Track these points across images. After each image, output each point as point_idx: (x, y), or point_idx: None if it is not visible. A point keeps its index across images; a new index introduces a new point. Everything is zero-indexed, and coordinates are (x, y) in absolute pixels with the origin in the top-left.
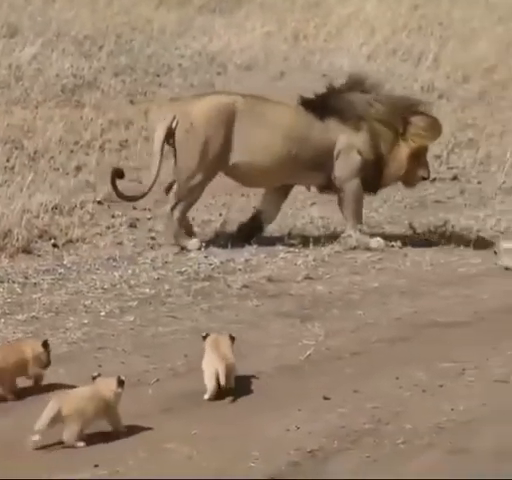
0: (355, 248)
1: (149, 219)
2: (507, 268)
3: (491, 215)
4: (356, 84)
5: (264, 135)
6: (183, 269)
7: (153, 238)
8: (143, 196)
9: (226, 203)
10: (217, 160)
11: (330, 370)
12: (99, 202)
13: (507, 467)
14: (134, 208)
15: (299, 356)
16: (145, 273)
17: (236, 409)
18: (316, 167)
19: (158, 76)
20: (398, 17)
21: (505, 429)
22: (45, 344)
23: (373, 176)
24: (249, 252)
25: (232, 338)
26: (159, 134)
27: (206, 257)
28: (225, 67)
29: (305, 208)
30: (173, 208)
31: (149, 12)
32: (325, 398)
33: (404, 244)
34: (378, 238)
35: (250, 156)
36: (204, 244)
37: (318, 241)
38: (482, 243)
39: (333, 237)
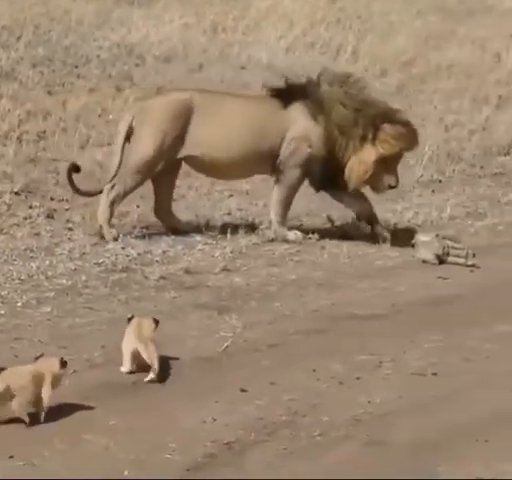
0: (273, 240)
1: (67, 210)
2: (424, 261)
3: (409, 208)
4: (334, 79)
5: (221, 128)
6: (100, 260)
7: (70, 229)
8: (100, 192)
9: (143, 195)
10: (166, 154)
11: (247, 362)
12: (16, 193)
13: (422, 459)
14: (51, 199)
15: (216, 348)
16: (62, 264)
17: (153, 400)
18: (275, 157)
19: (76, 67)
20: (316, 10)
21: (421, 421)
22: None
23: (324, 173)
24: (166, 244)
25: (156, 321)
26: (120, 134)
27: (123, 248)
28: (143, 59)
29: (223, 200)
30: (111, 188)
31: (67, 3)
32: (242, 390)
33: (322, 236)
34: (296, 231)
35: (209, 149)
36: (122, 235)
37: (236, 233)
38: (400, 236)
39: (251, 229)
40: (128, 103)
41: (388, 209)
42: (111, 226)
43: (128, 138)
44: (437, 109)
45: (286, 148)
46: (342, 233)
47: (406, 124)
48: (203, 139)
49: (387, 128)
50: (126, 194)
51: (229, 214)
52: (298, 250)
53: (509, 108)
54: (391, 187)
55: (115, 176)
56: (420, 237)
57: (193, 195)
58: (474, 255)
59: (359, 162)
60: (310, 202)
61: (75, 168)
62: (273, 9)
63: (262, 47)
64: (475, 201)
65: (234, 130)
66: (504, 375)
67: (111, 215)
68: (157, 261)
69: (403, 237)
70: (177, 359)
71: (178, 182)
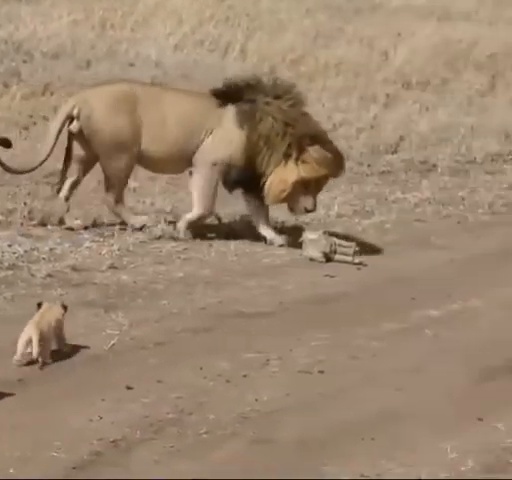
0: (160, 238)
1: None
2: (311, 259)
3: None
4: (273, 89)
5: (156, 122)
6: None
7: None
8: (30, 171)
9: (31, 192)
10: (126, 146)
11: (134, 360)
12: None
13: (309, 457)
14: None
15: (103, 346)
16: None
17: (39, 398)
18: None
19: None
20: (205, 8)
21: (308, 419)
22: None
23: (240, 179)
24: (53, 241)
25: (64, 307)
26: (58, 118)
27: (10, 246)
28: (31, 55)
29: None
30: (106, 193)
31: None
32: (128, 388)
33: (210, 234)
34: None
35: (150, 144)
36: (8, 233)
37: (123, 231)
38: (287, 234)
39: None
40: (15, 100)
41: (275, 207)
42: (135, 213)
43: (64, 125)
44: (325, 107)
45: (204, 146)
46: (230, 231)
47: (333, 150)
48: (142, 132)
49: (313, 151)
50: (121, 192)
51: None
52: (185, 248)
53: (396, 107)
54: (307, 211)
55: (43, 162)
56: (307, 235)
57: (80, 192)
58: (361, 253)
59: (279, 180)
60: None
61: (5, 143)
62: (162, 6)
63: (151, 44)
64: (362, 199)
65: (167, 125)
66: (390, 373)
67: (125, 208)
68: (44, 258)
69: (291, 235)
70: (63, 356)
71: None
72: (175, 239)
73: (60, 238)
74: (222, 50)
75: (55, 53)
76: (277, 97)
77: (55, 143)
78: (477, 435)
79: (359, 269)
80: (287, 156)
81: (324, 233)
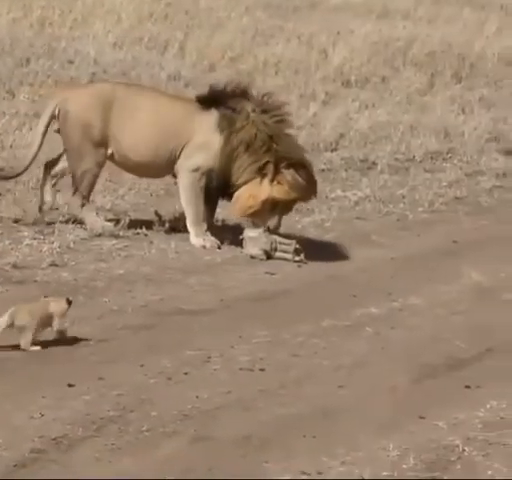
0: (100, 235)
1: None
2: (252, 257)
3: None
4: (263, 104)
5: (135, 124)
6: None
7: None
8: (18, 175)
9: None
10: (97, 147)
11: (75, 357)
12: None
13: (250, 454)
14: None
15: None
16: None
17: None
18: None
19: None
20: (144, 5)
21: (249, 417)
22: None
23: (215, 185)
24: None
25: (69, 302)
26: (43, 118)
27: None
28: None
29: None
30: (73, 195)
31: None
32: (70, 385)
33: (150, 232)
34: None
35: (125, 145)
36: None
37: (64, 228)
38: (227, 231)
39: (79, 224)
40: None
41: (219, 205)
42: (106, 219)
43: (48, 126)
44: None
45: (184, 152)
46: (170, 228)
47: (308, 176)
48: (117, 134)
49: (287, 175)
50: (90, 192)
51: (57, 209)
52: (126, 245)
53: (336, 104)
54: (269, 230)
55: (29, 166)
56: (248, 233)
57: (21, 189)
58: (302, 251)
59: (249, 195)
60: (139, 197)
61: None
62: (100, 4)
63: (89, 42)
64: None
65: (142, 128)
66: (331, 371)
67: (93, 212)
68: None
69: (231, 232)
70: (2, 354)
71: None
72: (116, 236)
73: (0, 235)
74: (161, 48)
75: None
76: (265, 111)
77: (41, 144)
78: (418, 433)
79: (300, 267)
80: (262, 173)
81: (265, 231)
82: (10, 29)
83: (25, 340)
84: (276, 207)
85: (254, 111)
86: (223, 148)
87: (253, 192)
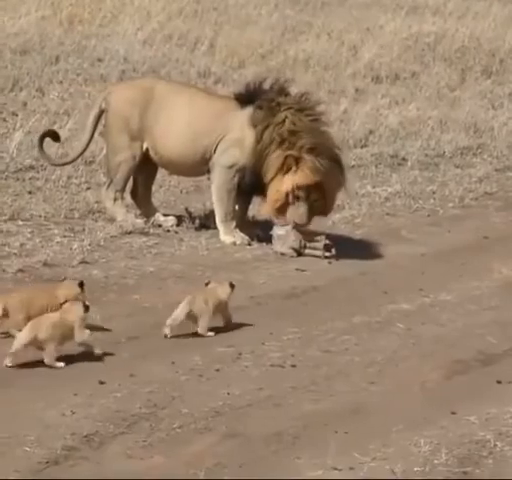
0: (131, 232)
1: None
2: (283, 253)
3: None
4: (300, 102)
5: (171, 120)
6: None
7: None
8: (69, 163)
9: (1, 187)
10: (134, 140)
11: (106, 354)
12: None
13: (281, 450)
14: None
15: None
16: None
17: (11, 393)
18: None
19: None
20: (173, 2)
21: (280, 413)
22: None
23: (250, 182)
24: (24, 236)
25: (232, 286)
26: (93, 112)
27: None
28: (0, 51)
29: (80, 192)
30: (107, 188)
31: None
32: (101, 382)
33: (180, 229)
34: (240, 233)
35: (160, 140)
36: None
37: (94, 225)
38: (258, 228)
39: (109, 221)
40: None
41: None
42: (137, 216)
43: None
44: None
45: (219, 148)
46: (200, 225)
47: (332, 161)
48: (153, 130)
49: (308, 159)
50: (122, 187)
51: (87, 207)
52: (156, 242)
53: (365, 100)
54: (297, 224)
55: (80, 155)
56: (277, 230)
57: (50, 187)
58: (332, 247)
59: (275, 190)
60: (169, 195)
61: (52, 135)
62: (130, 1)
63: (119, 39)
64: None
65: (177, 123)
66: (362, 366)
67: (124, 208)
68: (15, 254)
69: (261, 229)
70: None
71: (35, 174)
72: (146, 234)
73: (30, 233)
74: (191, 45)
75: (23, 49)
76: (301, 109)
77: (91, 136)
78: (450, 428)
79: (330, 263)
80: (286, 167)
81: (293, 228)
82: (39, 27)
83: (203, 326)
84: (301, 198)
85: (289, 109)
86: (255, 144)
87: (277, 186)
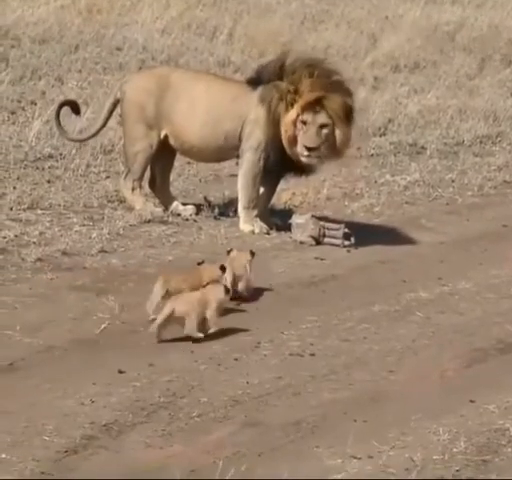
0: (150, 221)
1: None
2: (302, 242)
3: (286, 189)
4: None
5: (186, 108)
6: None
7: None
8: (78, 140)
9: (20, 177)
10: (150, 129)
11: (125, 343)
12: None
13: (301, 439)
14: None
15: (94, 330)
16: None
17: (30, 382)
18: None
19: None
20: None
21: (299, 402)
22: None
23: (276, 157)
24: (43, 225)
25: (252, 253)
26: (109, 100)
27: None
28: (19, 40)
29: (99, 181)
30: (125, 177)
31: None
32: (120, 372)
33: (199, 218)
34: (261, 223)
35: (175, 128)
36: None
37: (113, 214)
38: (277, 217)
39: (128, 210)
40: (3, 85)
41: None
42: (157, 205)
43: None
44: None
45: (244, 134)
46: (219, 214)
47: (329, 74)
48: (172, 117)
49: (304, 80)
50: (139, 176)
51: (106, 196)
52: (175, 231)
53: (385, 89)
54: (308, 148)
55: (89, 138)
56: (295, 219)
57: (69, 176)
58: (351, 235)
59: (284, 123)
60: (189, 183)
61: (71, 105)
62: None
63: (138, 28)
64: (351, 182)
65: (196, 110)
66: (381, 355)
67: (143, 197)
68: (34, 243)
69: (281, 218)
70: (54, 341)
71: (54, 163)
72: (165, 222)
73: (49, 222)
74: (210, 34)
75: (42, 38)
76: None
77: (105, 123)
78: (469, 417)
79: (349, 252)
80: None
81: (312, 217)
82: (58, 16)
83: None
84: (308, 122)
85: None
86: (268, 117)
87: (285, 121)
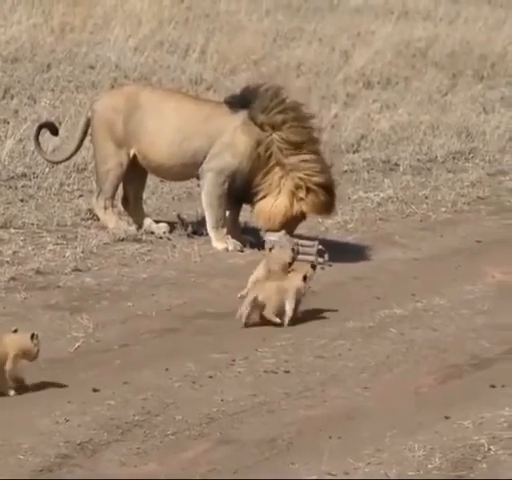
0: (123, 240)
1: None
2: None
3: None
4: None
5: (158, 125)
6: None
7: None
8: (55, 162)
9: None
10: (120, 148)
11: (99, 362)
12: None
13: (276, 456)
14: None
15: (68, 348)
16: None
17: (4, 401)
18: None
19: None
20: (164, 9)
21: (274, 419)
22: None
23: (241, 188)
24: (16, 244)
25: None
26: (82, 120)
27: None
28: None
29: (73, 200)
30: (97, 196)
31: None
32: (95, 390)
33: (172, 236)
34: (231, 239)
35: (147, 146)
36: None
37: (86, 233)
38: (250, 234)
39: (101, 229)
40: None
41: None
42: (130, 224)
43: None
44: None
45: (210, 153)
46: (193, 232)
47: (332, 197)
48: (139, 136)
49: (320, 193)
50: (111, 195)
51: (78, 215)
52: (149, 249)
53: (357, 106)
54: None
55: (67, 159)
56: (269, 236)
57: (42, 195)
58: (325, 252)
59: (275, 210)
60: (162, 201)
61: (50, 128)
62: (121, 8)
63: (110, 46)
64: None
65: (165, 128)
66: (356, 372)
67: (116, 215)
68: (7, 262)
69: (254, 235)
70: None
71: (27, 182)
72: (138, 241)
73: (23, 241)
74: (182, 51)
75: (15, 57)
76: (297, 120)
77: (80, 143)
78: (444, 433)
79: (323, 268)
80: (288, 190)
81: (285, 234)
82: (30, 35)
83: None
84: (298, 220)
85: (284, 123)
86: (251, 152)
87: (279, 207)
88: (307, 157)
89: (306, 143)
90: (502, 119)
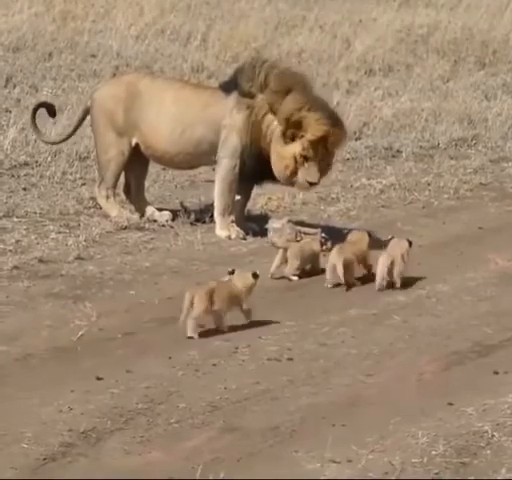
0: (126, 228)
1: None
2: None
3: (262, 194)
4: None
5: (159, 114)
6: None
7: None
8: (50, 143)
9: None
10: (121, 137)
11: (102, 350)
12: None
13: (280, 444)
14: None
15: (71, 337)
16: None
17: (8, 390)
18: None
19: None
20: None
21: (277, 407)
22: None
23: (253, 164)
24: (19, 233)
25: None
26: (82, 108)
27: None
28: None
29: (75, 188)
30: (99, 185)
31: None
32: (98, 378)
33: (175, 224)
34: (237, 229)
35: (149, 134)
36: None
37: (89, 221)
38: (253, 222)
39: (104, 217)
40: None
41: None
42: (133, 212)
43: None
44: None
45: (220, 141)
46: (196, 220)
47: (331, 114)
48: (140, 125)
49: (308, 116)
50: (112, 184)
51: (81, 203)
52: (152, 237)
53: (359, 93)
54: (310, 183)
55: (65, 140)
56: (272, 223)
57: (45, 183)
58: (327, 240)
59: (279, 157)
60: (164, 189)
61: (48, 108)
62: None
63: (112, 35)
64: (327, 186)
65: (166, 116)
66: (359, 359)
67: (118, 204)
68: (10, 250)
69: (257, 223)
70: (31, 349)
71: (29, 171)
72: (141, 229)
73: (25, 230)
74: (184, 39)
75: (16, 46)
76: (276, 69)
77: (77, 126)
78: (447, 420)
79: (325, 255)
80: (294, 126)
81: (288, 222)
82: (32, 24)
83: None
84: (310, 157)
85: (267, 78)
86: (247, 126)
87: (285, 152)
88: (293, 97)
89: (294, 87)
90: (504, 106)
